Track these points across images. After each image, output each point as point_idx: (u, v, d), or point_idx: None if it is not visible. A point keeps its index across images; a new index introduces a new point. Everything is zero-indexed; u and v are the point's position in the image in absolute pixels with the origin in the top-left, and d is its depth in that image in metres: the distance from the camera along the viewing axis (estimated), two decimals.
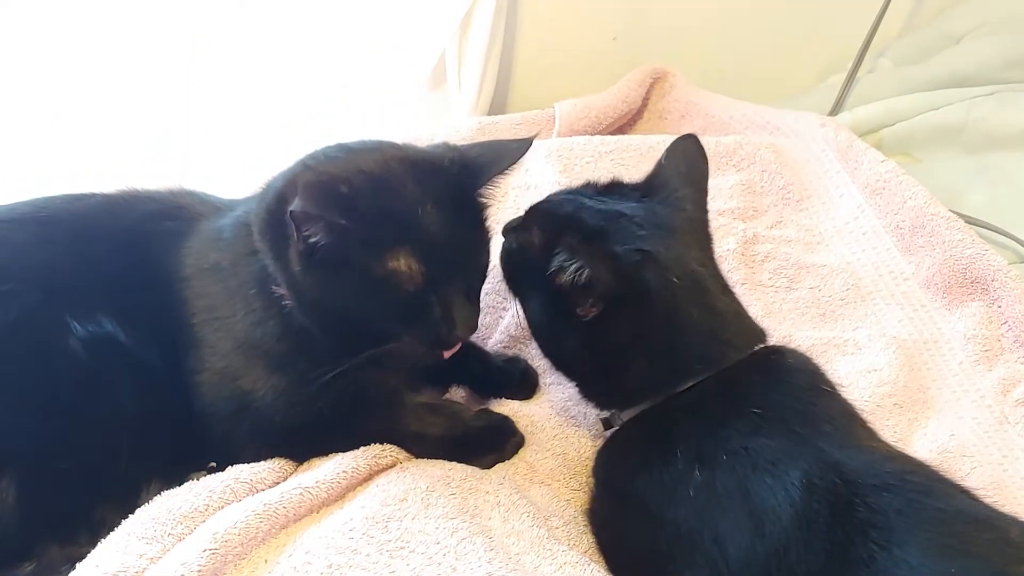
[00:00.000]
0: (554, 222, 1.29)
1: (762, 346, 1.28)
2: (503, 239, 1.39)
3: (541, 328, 1.33)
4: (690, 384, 1.21)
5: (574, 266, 1.17)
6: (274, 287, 1.26)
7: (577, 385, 1.36)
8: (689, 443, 1.16)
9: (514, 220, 1.39)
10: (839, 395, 1.25)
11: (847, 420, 1.20)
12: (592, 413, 1.46)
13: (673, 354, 1.22)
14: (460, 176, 1.27)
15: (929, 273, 1.80)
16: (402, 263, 1.18)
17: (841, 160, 2.04)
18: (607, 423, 1.37)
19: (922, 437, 1.51)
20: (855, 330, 1.73)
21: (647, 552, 1.18)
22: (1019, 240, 1.96)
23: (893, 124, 2.30)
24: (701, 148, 1.39)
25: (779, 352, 1.28)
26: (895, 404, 1.55)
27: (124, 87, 2.05)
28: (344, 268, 1.18)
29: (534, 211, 1.35)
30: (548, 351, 1.36)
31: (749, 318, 1.31)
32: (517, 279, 1.37)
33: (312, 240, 1.15)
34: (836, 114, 2.39)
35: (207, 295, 1.33)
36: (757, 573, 1.05)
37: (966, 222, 1.84)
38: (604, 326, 1.22)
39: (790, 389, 1.21)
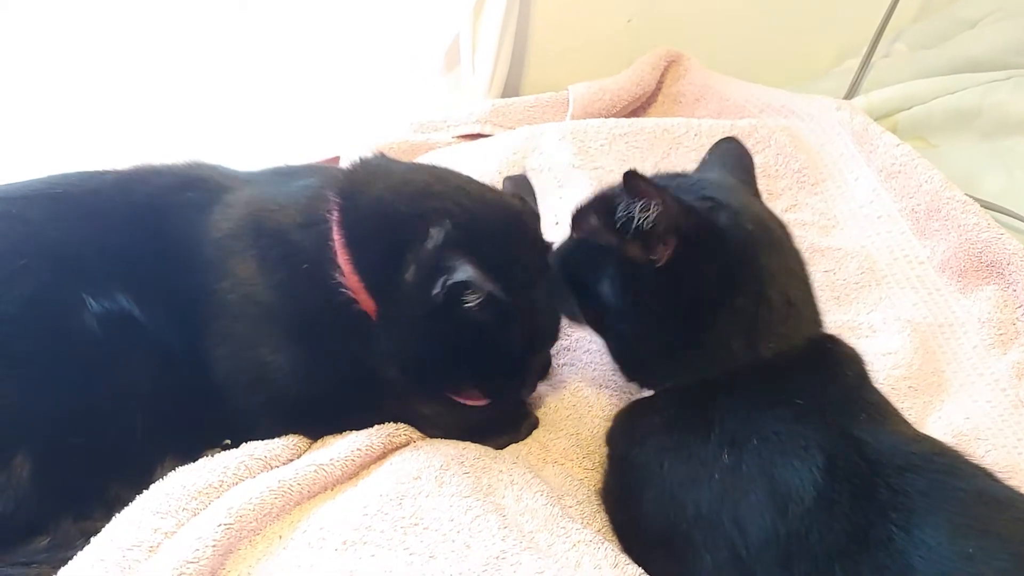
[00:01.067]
0: (607, 199, 1.27)
1: (820, 334, 1.27)
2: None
3: (613, 309, 1.26)
4: (763, 356, 1.19)
5: (641, 204, 1.15)
6: (339, 276, 1.26)
7: (629, 364, 1.33)
8: (725, 425, 1.14)
9: (564, 240, 1.38)
10: (873, 384, 1.24)
11: (881, 406, 1.19)
12: (607, 390, 1.47)
13: (750, 319, 1.19)
14: (539, 227, 1.34)
15: (944, 257, 1.79)
16: (521, 332, 1.25)
17: (857, 143, 2.03)
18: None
19: (936, 420, 1.49)
20: (869, 313, 1.72)
21: (664, 532, 1.17)
22: None
23: (909, 108, 2.29)
24: (743, 146, 1.44)
25: (835, 342, 1.27)
26: (910, 387, 1.54)
27: (129, 70, 2.05)
28: (465, 330, 1.22)
29: (583, 208, 1.33)
30: (620, 336, 1.31)
31: (814, 297, 1.29)
32: (578, 275, 1.32)
33: (463, 302, 1.18)
34: (851, 98, 2.37)
35: (238, 261, 1.31)
36: (778, 554, 1.03)
37: (982, 206, 1.83)
38: (681, 276, 1.19)
39: (839, 384, 1.19)
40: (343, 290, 1.26)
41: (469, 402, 1.36)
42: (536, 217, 1.36)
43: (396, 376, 1.30)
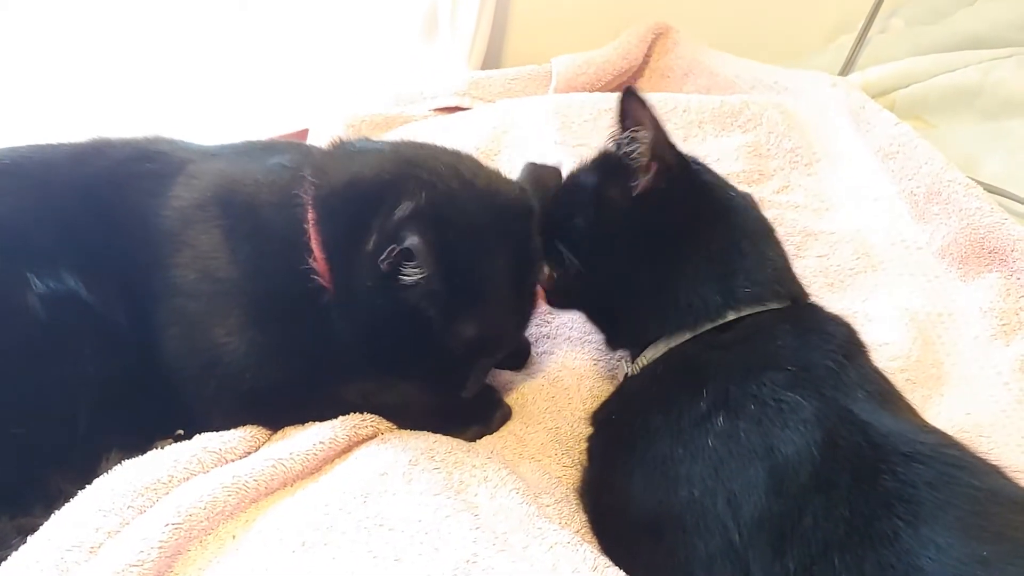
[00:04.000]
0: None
1: (805, 297, 1.29)
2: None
3: (591, 245, 1.28)
4: (731, 318, 1.19)
5: (630, 136, 1.20)
6: (311, 261, 1.22)
7: (612, 322, 1.35)
8: (717, 385, 1.13)
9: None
10: (871, 361, 1.21)
11: (882, 387, 1.15)
12: (588, 381, 1.43)
13: (730, 262, 1.22)
14: (530, 227, 1.29)
15: (944, 242, 1.75)
16: (462, 335, 1.20)
17: (853, 122, 2.01)
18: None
19: (936, 415, 1.44)
20: (865, 301, 1.68)
21: (653, 516, 1.12)
22: None
23: (906, 87, 2.27)
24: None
25: (819, 309, 1.27)
26: (907, 380, 1.49)
27: (93, 35, 2.01)
28: (407, 313, 1.17)
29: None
30: (593, 275, 1.30)
31: (792, 270, 1.31)
32: (555, 213, 1.33)
33: (401, 276, 1.13)
34: (846, 76, 2.35)
35: (200, 232, 1.27)
36: (770, 537, 1.00)
37: (985, 190, 1.80)
38: (655, 213, 1.22)
39: (830, 352, 1.16)
40: (313, 276, 1.22)
41: None
42: (529, 214, 1.30)
43: (353, 359, 1.25)
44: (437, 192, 1.20)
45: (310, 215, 1.23)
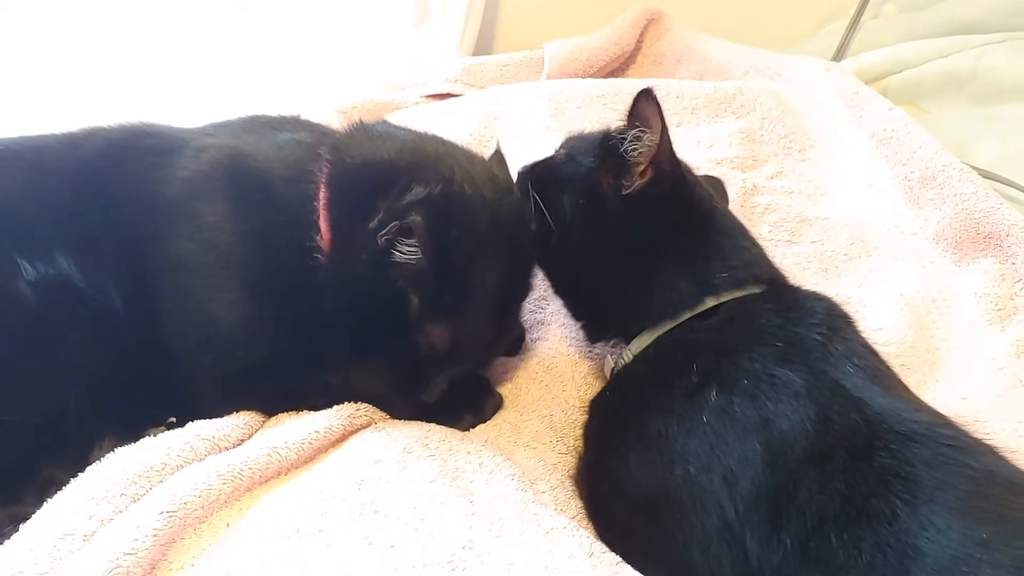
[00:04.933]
0: (614, 130, 1.28)
1: (782, 279, 1.30)
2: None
3: (572, 223, 1.29)
4: (712, 304, 1.21)
5: (635, 133, 1.20)
6: (316, 238, 1.21)
7: (596, 310, 1.36)
8: (707, 359, 1.14)
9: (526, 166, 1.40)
10: (860, 335, 1.22)
11: (871, 361, 1.16)
12: (583, 368, 1.42)
13: (706, 255, 1.25)
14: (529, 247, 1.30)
15: (939, 227, 1.75)
16: (433, 338, 1.20)
17: (846, 108, 2.00)
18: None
19: (931, 400, 1.41)
20: (859, 287, 1.68)
21: (651, 496, 1.12)
22: None
23: (899, 72, 2.27)
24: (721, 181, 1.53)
25: (797, 289, 1.29)
26: (902, 365, 1.48)
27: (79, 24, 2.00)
28: (391, 296, 1.17)
29: (585, 135, 1.37)
30: (577, 263, 1.32)
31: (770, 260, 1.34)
32: (542, 187, 1.32)
33: (394, 254, 1.13)
34: (839, 61, 2.34)
35: (206, 203, 1.25)
36: (766, 511, 1.00)
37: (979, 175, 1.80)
38: (641, 209, 1.24)
39: (810, 323, 1.17)
40: (317, 255, 1.21)
41: None
42: (519, 223, 1.30)
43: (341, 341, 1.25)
44: (451, 188, 1.19)
45: (322, 193, 1.22)
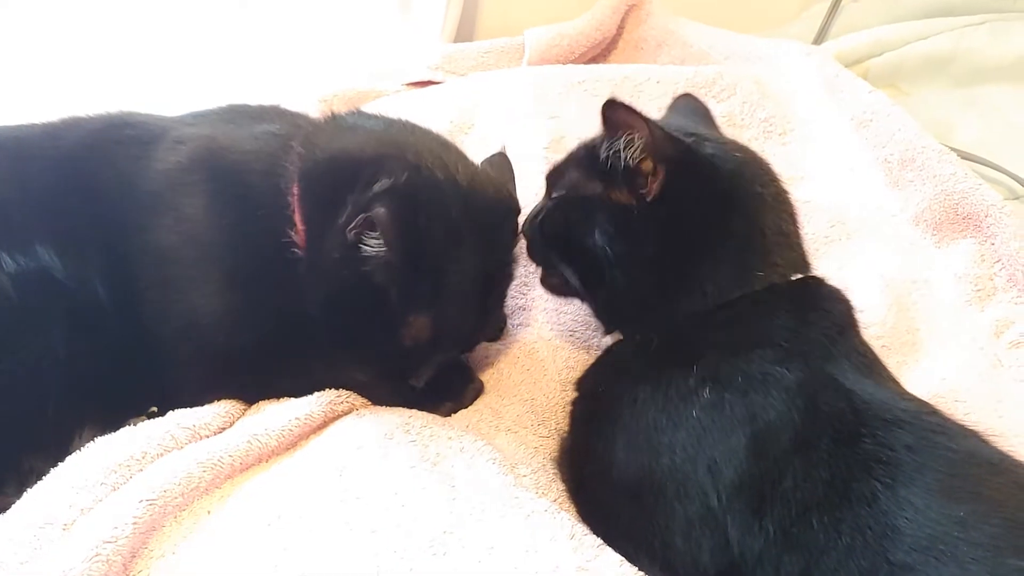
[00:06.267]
0: (589, 147, 1.26)
1: (808, 273, 1.26)
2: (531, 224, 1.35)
3: (607, 260, 1.22)
4: (737, 295, 1.18)
5: (625, 138, 1.15)
6: (291, 233, 1.21)
7: (614, 312, 1.31)
8: (708, 362, 1.12)
9: (538, 205, 1.35)
10: (860, 334, 1.21)
11: (868, 358, 1.16)
12: (564, 353, 1.42)
13: (747, 242, 1.19)
14: (509, 229, 1.30)
15: (919, 209, 1.75)
16: (416, 329, 1.19)
17: (827, 91, 2.00)
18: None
19: (912, 381, 1.43)
20: (840, 269, 1.66)
21: (636, 481, 1.12)
22: (1014, 176, 1.91)
23: (880, 55, 2.27)
24: (701, 101, 1.46)
25: (822, 284, 1.25)
26: (883, 346, 1.49)
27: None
28: (368, 290, 1.17)
29: (558, 166, 1.32)
30: (613, 288, 1.25)
31: (801, 235, 1.28)
32: (562, 235, 1.29)
33: (363, 248, 1.13)
34: (819, 44, 2.35)
35: (185, 196, 1.25)
36: (750, 499, 1.00)
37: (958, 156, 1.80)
38: (672, 210, 1.18)
39: (824, 327, 1.16)
40: (294, 249, 1.21)
41: None
42: (510, 215, 1.30)
43: (322, 333, 1.24)
44: (419, 176, 1.18)
45: (295, 187, 1.22)
